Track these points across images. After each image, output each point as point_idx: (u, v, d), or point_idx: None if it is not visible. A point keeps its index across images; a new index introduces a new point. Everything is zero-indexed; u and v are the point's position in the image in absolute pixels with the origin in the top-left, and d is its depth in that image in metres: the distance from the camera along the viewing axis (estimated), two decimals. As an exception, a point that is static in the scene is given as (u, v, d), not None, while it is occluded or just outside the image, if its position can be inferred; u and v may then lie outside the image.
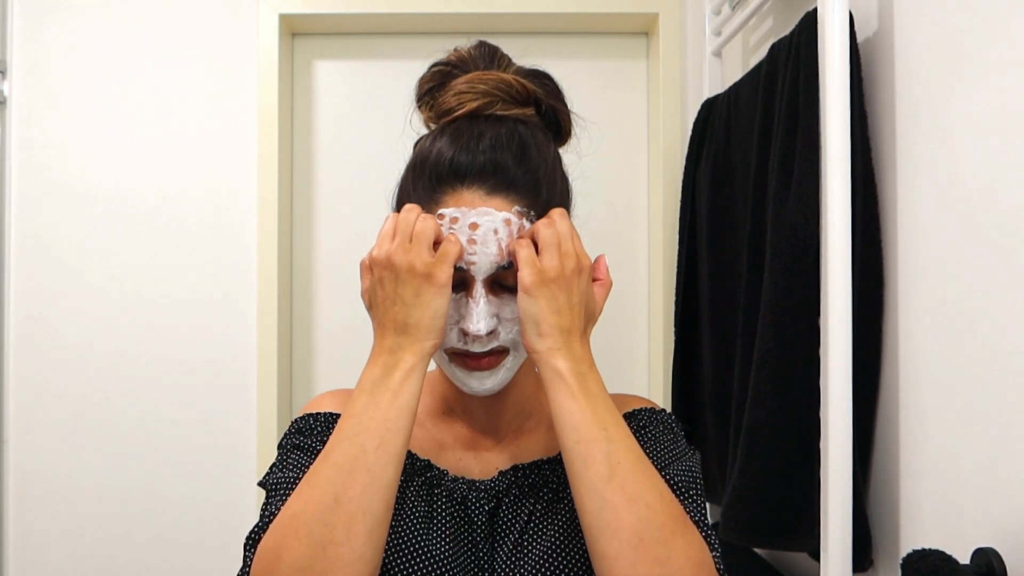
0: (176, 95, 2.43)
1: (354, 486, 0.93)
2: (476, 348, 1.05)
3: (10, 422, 2.40)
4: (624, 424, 1.01)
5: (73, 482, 2.40)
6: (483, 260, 1.02)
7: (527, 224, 1.04)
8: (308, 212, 2.56)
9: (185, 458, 2.42)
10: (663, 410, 1.22)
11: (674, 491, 1.06)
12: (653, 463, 1.08)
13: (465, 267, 1.02)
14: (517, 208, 1.04)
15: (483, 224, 1.01)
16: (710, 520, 1.08)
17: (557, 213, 1.05)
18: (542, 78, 1.19)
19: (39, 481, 2.40)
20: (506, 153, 1.05)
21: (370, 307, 1.05)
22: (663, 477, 1.06)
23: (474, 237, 1.01)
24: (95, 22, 2.42)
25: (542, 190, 1.07)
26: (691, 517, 1.02)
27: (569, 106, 1.21)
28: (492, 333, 1.05)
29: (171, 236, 2.42)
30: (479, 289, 1.03)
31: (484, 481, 1.13)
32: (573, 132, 1.23)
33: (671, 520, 0.94)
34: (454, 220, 1.02)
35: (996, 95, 1.13)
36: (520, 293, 1.01)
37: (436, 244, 1.01)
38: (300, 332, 2.55)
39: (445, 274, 0.99)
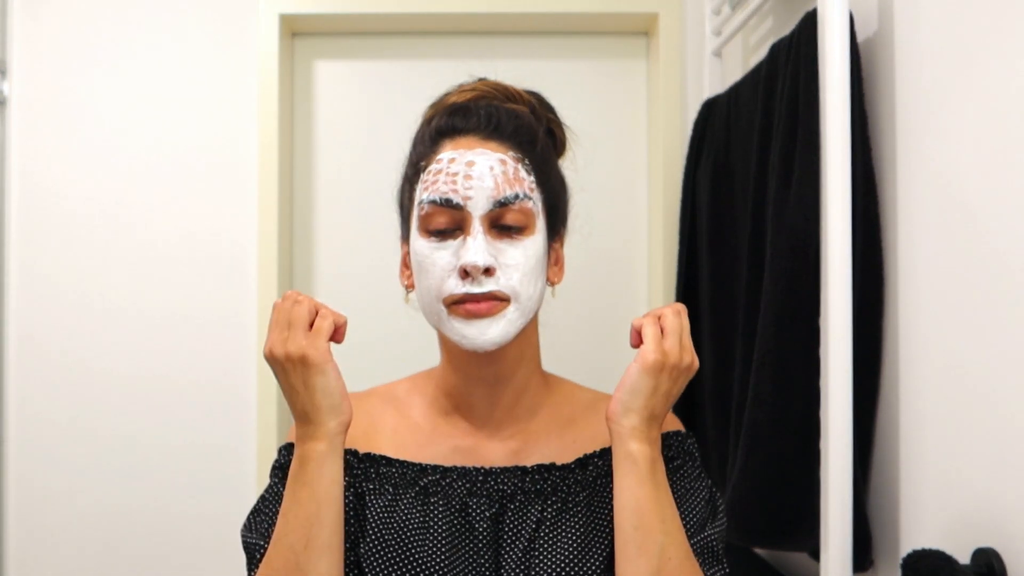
0: (176, 95, 2.43)
1: None
2: (475, 289, 1.05)
3: (10, 437, 2.40)
4: (679, 518, 1.04)
5: (71, 497, 2.40)
6: (479, 194, 1.04)
7: (522, 169, 1.09)
8: (308, 211, 2.56)
9: (183, 471, 2.41)
10: (688, 434, 1.24)
11: (713, 556, 1.08)
12: (692, 515, 1.11)
13: (461, 203, 1.05)
14: (512, 153, 1.09)
15: (479, 161, 1.06)
16: None
17: (680, 307, 1.09)
18: (537, 95, 1.25)
19: (39, 491, 2.40)
20: (501, 113, 1.12)
21: None
22: (705, 537, 1.09)
23: (470, 173, 1.05)
24: (95, 21, 2.42)
25: (537, 147, 1.13)
26: None
27: (561, 120, 1.28)
28: (490, 271, 1.05)
29: (170, 237, 2.42)
30: (476, 225, 1.05)
31: (485, 479, 1.12)
32: (569, 146, 1.28)
33: None
34: (451, 161, 1.06)
35: (996, 95, 1.12)
36: (636, 364, 1.04)
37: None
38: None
39: (317, 350, 1.00)
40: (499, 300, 1.06)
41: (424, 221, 1.07)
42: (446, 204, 1.05)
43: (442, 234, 1.06)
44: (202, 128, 2.43)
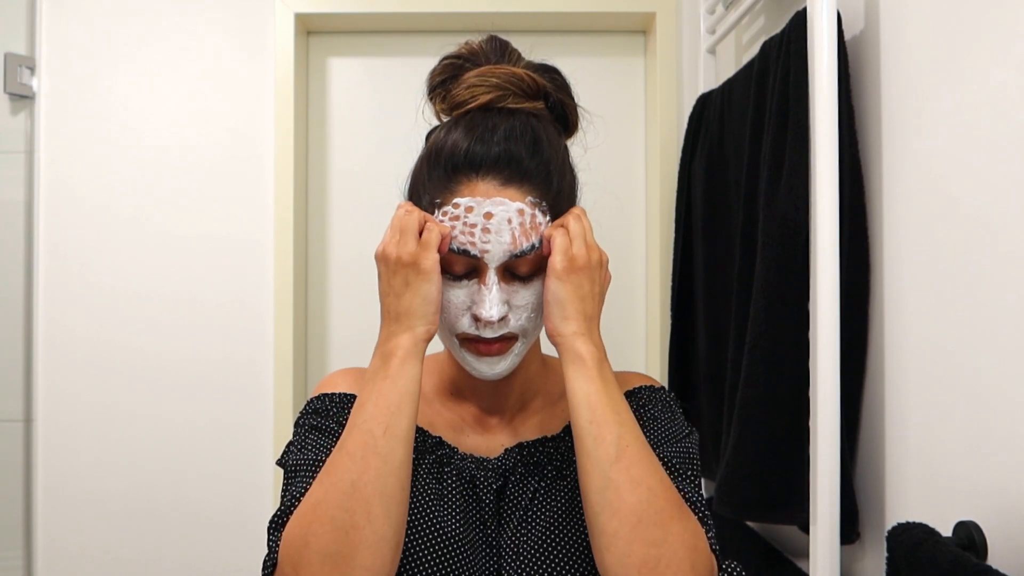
0: (197, 90, 2.43)
1: (368, 471, 0.94)
2: (488, 333, 1.05)
3: (39, 397, 2.41)
4: (632, 413, 1.02)
5: (97, 460, 2.41)
6: (496, 248, 1.01)
7: (539, 214, 1.04)
8: (322, 201, 2.56)
9: (204, 434, 2.43)
10: (662, 388, 1.22)
11: (671, 471, 1.06)
12: (651, 441, 1.08)
13: (479, 255, 1.02)
14: (530, 199, 1.03)
15: (497, 213, 1.01)
16: (704, 496, 1.08)
17: (579, 211, 1.07)
18: (551, 72, 1.17)
19: (65, 453, 2.41)
20: (520, 145, 1.04)
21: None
22: (660, 456, 1.07)
23: (488, 226, 1.01)
24: (119, 20, 2.42)
25: (553, 181, 1.07)
26: (687, 497, 1.02)
27: (576, 100, 1.21)
28: (503, 319, 1.04)
29: (191, 226, 2.42)
30: (491, 276, 1.03)
31: (491, 460, 1.13)
32: (580, 126, 1.22)
33: (670, 505, 0.95)
34: (469, 209, 1.01)
35: (976, 91, 1.12)
36: (551, 278, 1.02)
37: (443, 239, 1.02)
38: (314, 334, 2.56)
39: (429, 260, 1.00)
40: (509, 340, 1.07)
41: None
42: (463, 254, 1.02)
43: (456, 276, 1.05)
44: (221, 122, 2.43)
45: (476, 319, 1.04)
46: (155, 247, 2.42)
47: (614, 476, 0.94)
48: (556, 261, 1.02)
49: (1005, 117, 1.06)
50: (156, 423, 2.41)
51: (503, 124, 1.06)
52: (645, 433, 1.08)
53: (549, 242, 1.04)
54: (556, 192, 1.07)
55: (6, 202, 2.40)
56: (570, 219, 1.05)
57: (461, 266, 1.04)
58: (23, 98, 2.40)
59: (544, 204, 1.05)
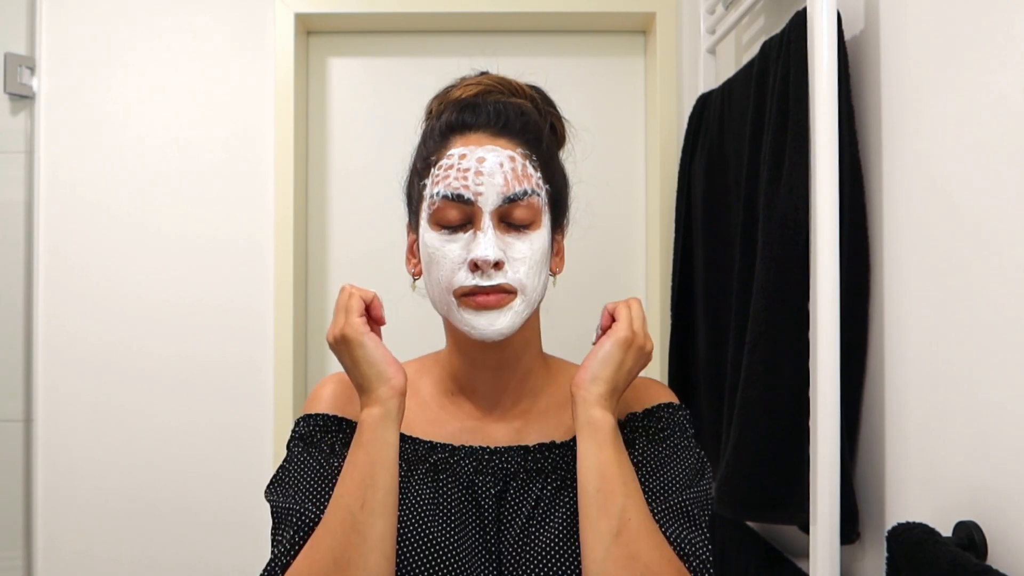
0: (197, 90, 2.43)
1: (348, 548, 0.96)
2: (485, 282, 1.05)
3: (39, 397, 2.40)
4: (638, 483, 1.04)
5: (98, 461, 2.41)
6: (490, 190, 1.04)
7: (530, 167, 1.09)
8: (322, 201, 2.56)
9: (204, 434, 2.42)
10: (680, 407, 1.23)
11: (688, 519, 1.07)
12: (669, 480, 1.10)
13: (473, 198, 1.04)
14: (520, 151, 1.09)
15: (489, 158, 1.05)
16: (710, 546, 1.09)
17: (637, 300, 1.14)
18: (537, 89, 1.24)
19: (65, 453, 2.40)
20: (509, 110, 1.11)
21: None
22: (680, 500, 1.08)
23: (481, 169, 1.05)
24: (119, 20, 2.42)
25: (543, 143, 1.13)
26: (695, 551, 1.03)
27: (562, 114, 1.27)
28: (499, 265, 1.05)
29: (191, 227, 2.42)
30: (487, 220, 1.05)
31: (490, 458, 1.12)
32: (568, 138, 1.27)
33: None
34: (463, 156, 1.06)
35: (976, 91, 1.12)
36: (609, 339, 1.08)
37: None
38: (314, 337, 2.56)
39: (352, 328, 1.04)
40: (507, 293, 1.07)
41: (435, 215, 1.07)
42: (457, 199, 1.05)
43: (452, 228, 1.07)
44: (221, 122, 2.43)
45: (474, 266, 1.05)
46: (155, 247, 2.41)
47: (614, 551, 0.96)
48: (621, 328, 1.08)
49: (1005, 117, 1.06)
50: (156, 423, 2.41)
51: (492, 102, 1.13)
52: (662, 466, 1.11)
53: (611, 315, 1.12)
54: (546, 155, 1.13)
55: (6, 202, 2.40)
56: (634, 302, 1.12)
57: (456, 214, 1.06)
58: (23, 98, 2.40)
59: (535, 159, 1.10)
